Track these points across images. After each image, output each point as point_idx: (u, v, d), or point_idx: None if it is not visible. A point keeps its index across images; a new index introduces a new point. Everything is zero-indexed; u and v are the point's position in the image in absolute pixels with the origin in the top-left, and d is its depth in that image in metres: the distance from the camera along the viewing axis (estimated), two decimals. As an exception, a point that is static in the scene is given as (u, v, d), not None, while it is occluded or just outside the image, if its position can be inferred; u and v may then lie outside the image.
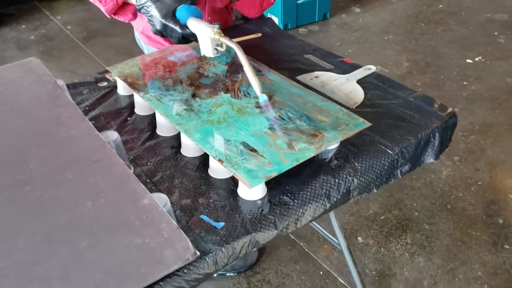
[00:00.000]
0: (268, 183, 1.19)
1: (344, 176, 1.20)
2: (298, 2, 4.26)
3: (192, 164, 1.28)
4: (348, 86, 1.53)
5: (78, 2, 5.01)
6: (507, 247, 2.22)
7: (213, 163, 1.22)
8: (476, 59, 3.75)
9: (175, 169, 1.26)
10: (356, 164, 1.23)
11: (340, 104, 1.44)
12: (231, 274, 2.14)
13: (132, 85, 1.47)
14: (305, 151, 1.18)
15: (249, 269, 2.18)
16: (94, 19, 4.57)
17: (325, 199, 1.17)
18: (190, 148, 1.30)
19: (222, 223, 1.09)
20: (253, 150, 1.19)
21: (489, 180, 2.59)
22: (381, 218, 2.42)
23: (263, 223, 1.09)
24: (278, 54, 1.76)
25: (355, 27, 4.32)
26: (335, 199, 1.18)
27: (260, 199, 1.15)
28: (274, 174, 1.12)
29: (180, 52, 1.65)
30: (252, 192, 1.15)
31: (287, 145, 1.20)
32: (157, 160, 1.29)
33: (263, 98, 1.26)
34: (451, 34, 4.16)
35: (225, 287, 2.11)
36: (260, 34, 1.89)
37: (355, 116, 1.29)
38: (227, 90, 1.43)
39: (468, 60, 3.74)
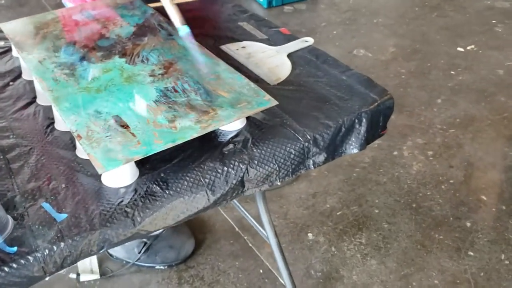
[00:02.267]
0: (142, 169, 0.96)
1: (236, 164, 0.97)
2: (283, -24, 3.99)
3: (62, 140, 1.06)
4: (276, 60, 1.30)
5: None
6: (471, 254, 1.99)
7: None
8: (468, 47, 3.47)
9: (38, 144, 1.04)
10: (255, 150, 1.00)
11: (261, 80, 1.20)
12: (161, 267, 1.93)
13: (18, 44, 1.24)
14: (187, 130, 0.95)
15: (182, 263, 1.97)
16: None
17: (208, 190, 0.94)
18: (59, 120, 1.07)
19: (65, 215, 0.87)
20: (124, 126, 0.96)
21: (463, 178, 2.34)
22: (338, 213, 2.19)
23: (117, 217, 0.87)
24: (207, 20, 1.52)
25: (344, 8, 4.05)
26: (221, 191, 0.95)
27: (125, 187, 0.93)
28: (138, 156, 0.89)
29: (91, 11, 1.41)
30: (114, 178, 0.93)
31: (168, 121, 0.97)
32: (22, 133, 1.07)
33: (184, 30, 1.08)
34: (445, 20, 3.87)
35: (152, 281, 1.90)
36: (197, -2, 1.65)
37: (261, 92, 1.05)
38: (123, 55, 1.20)
39: (459, 49, 3.46)
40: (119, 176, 0.93)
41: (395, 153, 2.51)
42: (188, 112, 1.00)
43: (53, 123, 1.10)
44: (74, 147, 1.03)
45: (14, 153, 1.01)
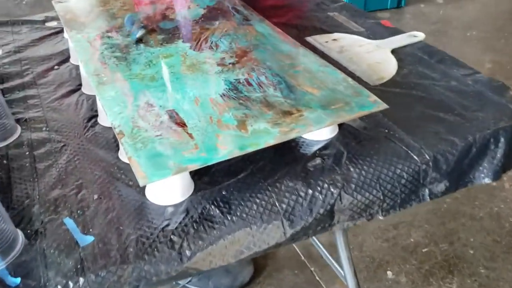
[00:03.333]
0: (197, 182, 0.72)
1: (325, 186, 0.70)
2: (369, -17, 3.70)
3: (103, 138, 0.84)
4: (377, 56, 1.02)
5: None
6: None
7: (120, 138, 0.77)
8: None
9: (74, 141, 0.83)
10: (352, 170, 0.73)
11: (357, 78, 0.93)
12: (214, 293, 1.69)
13: (68, 22, 1.05)
14: (261, 135, 0.69)
15: (238, 291, 1.71)
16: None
17: (284, 220, 0.68)
18: (103, 113, 0.86)
19: (91, 238, 0.64)
20: (180, 123, 0.73)
21: None
22: (423, 250, 1.85)
23: (159, 247, 0.63)
24: (290, 8, 1.27)
25: (433, 19, 3.69)
26: (303, 222, 0.69)
27: (173, 206, 0.69)
28: (194, 166, 0.65)
29: (156, -9, 1.21)
30: (160, 192, 0.69)
31: (237, 122, 0.72)
32: (57, 126, 0.86)
33: None
34: (551, 36, 3.42)
35: (203, 309, 1.66)
36: (279, -14, 1.41)
37: (364, 91, 0.78)
38: (188, 39, 0.97)
39: None
40: (167, 190, 0.69)
41: (494, 184, 2.14)
42: (264, 111, 0.74)
43: (96, 116, 0.89)
44: (118, 147, 0.81)
45: (43, 149, 0.80)
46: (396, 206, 0.75)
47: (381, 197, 0.73)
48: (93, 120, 0.88)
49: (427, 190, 0.77)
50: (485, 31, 3.53)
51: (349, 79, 0.81)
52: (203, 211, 0.67)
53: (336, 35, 1.12)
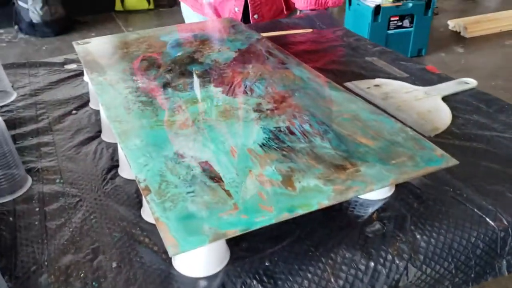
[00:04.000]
0: (235, 248, 0.61)
1: (390, 258, 0.59)
2: (389, 32, 3.66)
3: (124, 193, 0.73)
4: (427, 104, 0.92)
5: (154, 17, 4.81)
6: None
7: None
8: None
9: (91, 195, 0.72)
10: (419, 237, 0.61)
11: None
12: None
13: (88, 64, 0.97)
14: (312, 194, 0.59)
15: None
16: (164, 33, 4.27)
17: (341, 299, 0.56)
18: (125, 163, 0.76)
19: (106, 319, 0.52)
20: (216, 178, 0.62)
21: None
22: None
23: (190, 333, 0.51)
24: (325, 53, 1.19)
25: (455, 68, 3.62)
26: (363, 302, 0.57)
27: (206, 279, 0.57)
28: (234, 231, 0.54)
29: (185, 33, 1.14)
30: (191, 261, 0.58)
31: (281, 177, 0.62)
32: (73, 177, 0.77)
33: None
34: None
35: None
36: (310, 30, 1.34)
37: (429, 144, 0.67)
38: (220, 84, 0.88)
39: None
40: (199, 259, 0.57)
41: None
42: (312, 165, 0.64)
43: (117, 167, 0.79)
44: (140, 204, 0.70)
45: (56, 205, 0.70)
46: (469, 281, 0.63)
47: (453, 271, 0.61)
48: (113, 172, 0.78)
49: (505, 262, 0.65)
50: (511, 80, 3.44)
51: (408, 129, 0.71)
52: (243, 286, 0.56)
53: (378, 80, 1.03)
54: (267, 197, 0.59)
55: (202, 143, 0.70)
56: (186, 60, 0.99)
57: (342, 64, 1.12)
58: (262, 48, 1.04)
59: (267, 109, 0.79)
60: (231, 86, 0.87)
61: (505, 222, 0.63)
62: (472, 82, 0.99)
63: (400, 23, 3.67)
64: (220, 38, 1.10)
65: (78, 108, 0.97)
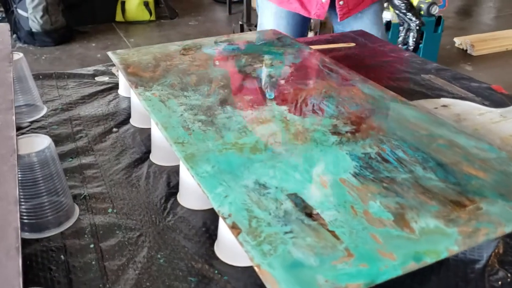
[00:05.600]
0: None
1: (526, 313, 0.50)
2: (399, 48, 3.59)
3: (190, 224, 0.64)
4: (507, 127, 0.84)
5: (155, 29, 4.73)
6: None
7: (224, 232, 0.57)
8: None
9: (152, 229, 0.62)
10: (553, 286, 0.52)
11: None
12: None
13: (131, 76, 0.88)
14: (436, 238, 0.50)
15: None
16: (167, 45, 4.19)
17: None
18: (191, 192, 0.66)
19: None
20: (313, 215, 0.53)
21: None
22: None
23: None
24: (376, 69, 1.11)
25: (464, 86, 3.58)
26: None
27: (314, 338, 0.48)
28: (358, 285, 0.44)
29: (228, 45, 1.05)
30: (296, 316, 0.48)
31: (392, 215, 0.53)
32: (128, 206, 0.67)
33: None
34: None
35: None
36: (353, 44, 1.26)
37: (548, 175, 0.59)
38: (283, 101, 0.79)
39: None
40: (307, 315, 0.48)
41: None
42: (424, 201, 0.55)
43: (174, 194, 0.69)
44: (211, 238, 0.61)
45: (114, 240, 0.60)
46: None
47: None
48: (172, 200, 0.68)
49: None
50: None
51: (518, 159, 0.63)
52: None
53: (444, 100, 0.94)
54: (383, 240, 0.49)
55: (283, 171, 0.61)
56: (238, 74, 0.90)
57: (398, 81, 1.04)
58: (317, 62, 0.95)
59: (346, 132, 0.70)
60: (296, 104, 0.78)
61: None
62: (548, 104, 0.91)
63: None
64: (268, 50, 1.01)
65: (118, 125, 0.88)
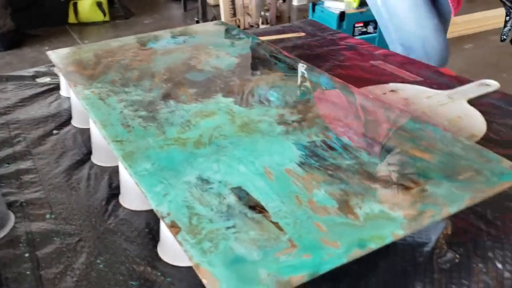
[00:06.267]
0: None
1: (474, 293, 0.49)
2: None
3: (132, 226, 0.61)
4: (454, 108, 0.85)
5: (110, 29, 4.62)
6: None
7: (166, 232, 0.55)
8: None
9: (92, 233, 0.59)
10: (499, 265, 0.52)
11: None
12: None
13: (70, 75, 0.84)
14: (381, 223, 0.48)
15: None
16: (122, 45, 4.10)
17: None
18: (132, 193, 0.63)
19: None
20: (257, 207, 0.51)
21: None
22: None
23: None
24: (326, 57, 1.10)
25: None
26: None
27: (261, 335, 0.46)
28: (301, 277, 0.43)
29: (173, 38, 1.02)
30: (241, 314, 0.46)
31: (337, 203, 0.51)
32: (66, 211, 0.63)
33: None
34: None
35: None
36: (303, 34, 1.25)
37: (492, 154, 0.59)
38: (229, 93, 0.77)
39: None
40: (252, 312, 0.46)
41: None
42: (368, 186, 0.54)
43: (116, 195, 0.66)
44: (154, 240, 0.58)
45: (51, 247, 0.57)
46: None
47: (541, 303, 0.52)
48: (113, 202, 0.65)
49: None
50: (475, 84, 3.48)
51: (463, 139, 0.62)
52: None
53: (393, 85, 0.94)
54: (327, 228, 0.48)
55: (228, 164, 0.59)
56: (183, 67, 0.87)
57: (347, 69, 1.04)
58: (265, 52, 0.93)
59: (293, 121, 0.68)
60: (242, 96, 0.76)
61: None
62: (493, 84, 0.92)
63: (364, 29, 3.65)
64: (215, 42, 0.98)
65: (58, 127, 0.84)
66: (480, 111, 0.84)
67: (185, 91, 0.78)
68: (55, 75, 1.04)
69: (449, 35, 4.71)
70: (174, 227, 0.49)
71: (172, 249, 0.54)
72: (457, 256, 0.53)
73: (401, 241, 0.55)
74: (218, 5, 4.24)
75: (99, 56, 0.92)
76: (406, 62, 1.06)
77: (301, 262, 0.44)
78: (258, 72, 0.85)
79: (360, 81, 0.97)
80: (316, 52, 1.13)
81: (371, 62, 1.07)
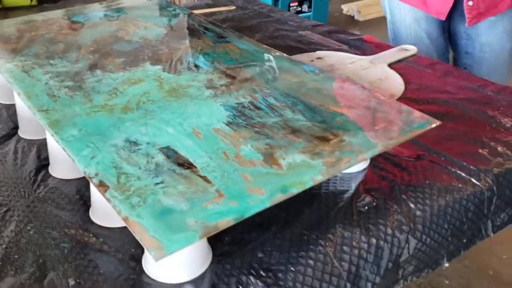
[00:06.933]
0: (216, 243, 0.52)
1: (391, 231, 0.54)
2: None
3: (63, 194, 0.61)
4: (375, 72, 0.89)
5: (39, 12, 4.40)
6: None
7: (96, 195, 0.55)
8: None
9: (21, 203, 0.59)
10: (413, 206, 0.57)
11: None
12: None
13: (-9, 49, 0.81)
14: (303, 170, 0.51)
15: None
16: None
17: (349, 285, 0.50)
18: (61, 161, 0.63)
19: None
20: (186, 164, 0.53)
21: None
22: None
23: None
24: (257, 29, 1.12)
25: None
26: (370, 285, 0.51)
27: (192, 283, 0.48)
28: (227, 221, 0.45)
29: (98, 12, 1.00)
30: (167, 265, 0.48)
31: (262, 155, 0.54)
32: (-7, 183, 0.62)
33: None
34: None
35: None
36: (233, 7, 1.26)
37: (405, 107, 0.63)
38: (157, 61, 0.77)
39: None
40: (179, 260, 0.48)
41: None
42: (292, 139, 0.57)
43: (46, 166, 0.65)
44: (86, 205, 0.58)
45: (-23, 219, 0.56)
46: (461, 247, 0.60)
47: (449, 238, 0.58)
48: (43, 172, 0.64)
49: (490, 223, 0.63)
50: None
51: (378, 94, 0.66)
52: (239, 285, 0.47)
53: (319, 53, 0.98)
54: (252, 178, 0.50)
55: (156, 127, 0.60)
56: (110, 39, 0.86)
57: (277, 39, 1.06)
58: (194, 23, 0.94)
59: (221, 85, 0.70)
60: (171, 63, 0.77)
61: (490, 181, 0.61)
62: (412, 49, 0.98)
63: (299, 8, 3.70)
64: (142, 14, 0.98)
65: (-18, 103, 0.81)
66: (399, 73, 0.89)
67: (112, 61, 0.77)
68: (-25, 53, 0.99)
69: (379, 13, 4.76)
70: (102, 186, 0.49)
71: (103, 211, 0.55)
72: (375, 199, 0.57)
73: (324, 190, 0.59)
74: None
75: (22, 30, 0.89)
76: (332, 32, 1.10)
77: (228, 208, 0.46)
78: (186, 41, 0.85)
79: (288, 50, 1.00)
80: (246, 24, 1.15)
81: (300, 32, 1.10)
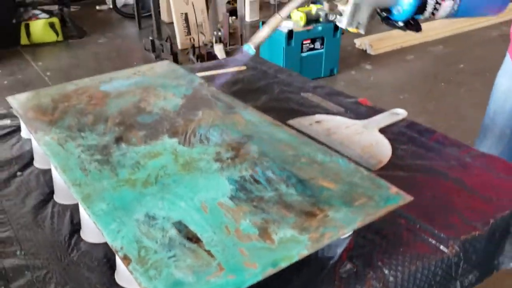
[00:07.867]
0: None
1: (365, 295, 0.63)
2: (302, 54, 3.82)
3: (93, 257, 0.72)
4: (367, 137, 1.00)
5: (64, 49, 4.63)
6: None
7: (120, 261, 0.66)
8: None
9: (58, 266, 0.70)
10: (387, 272, 0.66)
11: (356, 164, 0.89)
12: None
13: (30, 122, 0.94)
14: (291, 245, 0.62)
15: None
16: (77, 66, 4.15)
17: None
18: (92, 228, 0.75)
19: None
20: (193, 238, 0.64)
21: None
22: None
23: None
24: (264, 91, 1.24)
25: (365, 85, 3.85)
26: None
27: None
28: (225, 293, 0.56)
29: (124, 80, 1.13)
30: (182, 325, 0.59)
31: (258, 230, 0.65)
32: (34, 248, 0.74)
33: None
34: (476, 94, 3.67)
35: None
36: (244, 67, 1.38)
37: (383, 182, 0.74)
38: (174, 134, 0.89)
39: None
40: (191, 323, 0.58)
41: None
42: (284, 214, 0.67)
43: (78, 230, 0.77)
44: (112, 268, 0.69)
45: (23, 280, 0.67)
46: (432, 306, 0.69)
47: (420, 299, 0.67)
48: (75, 237, 0.76)
49: (458, 283, 0.72)
50: (416, 94, 3.72)
51: (362, 169, 0.77)
52: None
53: (318, 116, 1.09)
54: (248, 253, 0.61)
55: (171, 201, 0.71)
56: (133, 110, 0.99)
57: (280, 102, 1.18)
58: (207, 92, 1.06)
59: (227, 158, 0.81)
60: (186, 136, 0.88)
61: (457, 248, 0.70)
62: (402, 113, 1.08)
63: (312, 46, 3.84)
64: (162, 84, 1.10)
65: (22, 168, 0.93)
66: (388, 138, 0.99)
67: (136, 134, 0.90)
68: (14, 117, 1.13)
69: (392, 47, 4.91)
70: (126, 259, 0.60)
71: (126, 275, 0.66)
72: (355, 266, 0.67)
73: (313, 256, 0.69)
74: (172, 23, 4.36)
75: (56, 100, 1.03)
76: (332, 94, 1.21)
77: (227, 281, 0.57)
78: (200, 113, 0.97)
79: (290, 113, 1.11)
80: (255, 86, 1.26)
81: (302, 94, 1.22)
